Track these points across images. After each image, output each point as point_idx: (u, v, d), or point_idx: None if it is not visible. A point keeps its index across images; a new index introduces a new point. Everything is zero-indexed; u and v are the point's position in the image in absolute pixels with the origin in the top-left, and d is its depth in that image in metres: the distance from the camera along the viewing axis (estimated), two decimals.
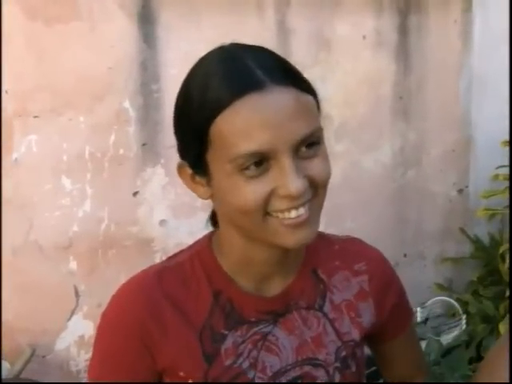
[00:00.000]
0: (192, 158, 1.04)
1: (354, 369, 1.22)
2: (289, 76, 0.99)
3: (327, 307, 1.21)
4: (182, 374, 1.13)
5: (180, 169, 1.07)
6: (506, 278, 3.12)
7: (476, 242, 3.46)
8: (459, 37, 3.35)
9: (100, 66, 2.58)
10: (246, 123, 0.95)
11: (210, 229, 1.21)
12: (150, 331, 1.11)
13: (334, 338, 1.21)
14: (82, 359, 2.71)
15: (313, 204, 1.02)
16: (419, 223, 3.43)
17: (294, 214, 1.00)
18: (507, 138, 3.29)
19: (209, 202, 3.17)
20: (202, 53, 3.11)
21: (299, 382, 1.17)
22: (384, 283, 1.27)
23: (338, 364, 1.21)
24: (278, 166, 0.97)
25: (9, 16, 2.42)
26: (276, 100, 0.96)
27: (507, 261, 3.01)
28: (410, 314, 1.36)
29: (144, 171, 2.72)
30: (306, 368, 1.18)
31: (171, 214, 2.79)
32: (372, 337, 1.30)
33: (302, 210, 1.00)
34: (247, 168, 0.96)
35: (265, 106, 0.95)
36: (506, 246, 3.03)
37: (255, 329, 1.16)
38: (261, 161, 0.96)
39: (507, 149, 3.29)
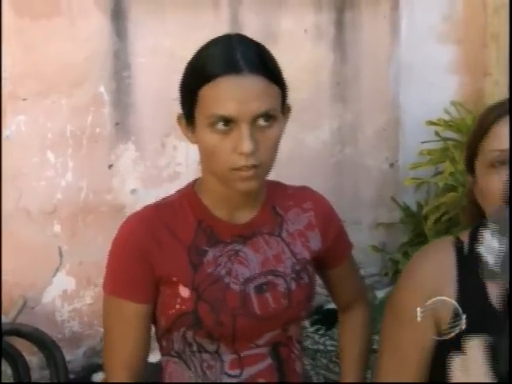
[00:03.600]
0: (186, 111, 1.43)
1: (306, 280, 1.54)
2: (262, 68, 1.36)
3: (284, 234, 1.56)
4: (174, 279, 1.45)
5: (179, 119, 1.46)
6: (431, 238, 3.55)
7: (405, 209, 3.90)
8: (388, 31, 3.80)
9: (79, 55, 2.97)
10: (222, 95, 1.35)
11: None
12: (149, 249, 1.46)
13: (290, 256, 1.53)
14: (65, 310, 3.11)
15: (258, 170, 1.40)
16: (355, 193, 3.85)
17: (245, 174, 1.39)
18: (430, 118, 3.76)
19: (174, 173, 3.56)
20: (167, 44, 3.55)
21: (264, 286, 1.51)
22: (326, 218, 1.60)
23: (293, 275, 1.53)
24: (238, 130, 1.35)
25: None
26: (246, 83, 1.35)
27: (430, 220, 3.48)
28: (349, 245, 1.67)
29: (117, 147, 3.12)
30: (269, 277, 1.51)
31: (141, 184, 3.19)
32: (320, 263, 1.61)
33: (251, 172, 1.39)
34: (217, 124, 1.36)
35: (237, 86, 1.34)
36: (428, 208, 3.50)
37: (229, 247, 1.50)
38: (227, 122, 1.36)
39: (431, 127, 3.76)
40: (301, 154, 3.59)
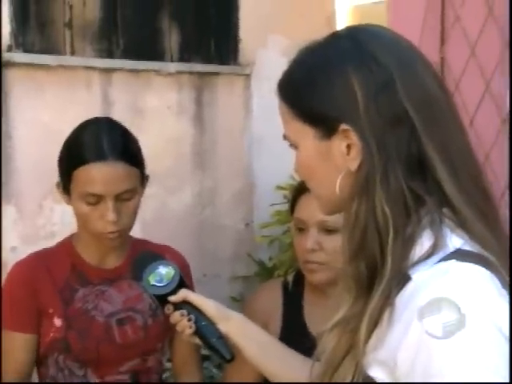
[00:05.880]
0: (63, 182, 1.81)
1: (161, 317, 1.79)
2: (124, 155, 1.74)
3: None
4: (51, 310, 1.82)
5: (57, 185, 1.83)
6: None
7: (260, 263, 4.26)
8: (242, 107, 4.30)
9: None
10: (91, 177, 1.72)
11: None
12: (31, 287, 1.83)
13: (147, 297, 1.84)
14: None
15: (121, 232, 1.78)
16: (215, 250, 4.25)
17: (110, 236, 1.77)
18: (280, 183, 4.26)
19: (50, 232, 3.92)
20: (45, 118, 4.02)
21: (125, 320, 1.85)
22: (181, 268, 1.94)
23: (150, 312, 1.86)
24: (105, 203, 1.74)
25: None
26: (111, 168, 1.72)
27: (278, 273, 3.96)
28: (192, 287, 2.01)
29: None
30: (130, 313, 1.85)
31: (20, 242, 3.51)
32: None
33: (115, 235, 1.77)
34: (88, 198, 1.74)
35: (104, 170, 1.72)
36: (272, 262, 3.99)
37: (97, 287, 1.85)
38: (96, 197, 1.73)
39: (280, 191, 4.25)
40: (165, 215, 4.01)
